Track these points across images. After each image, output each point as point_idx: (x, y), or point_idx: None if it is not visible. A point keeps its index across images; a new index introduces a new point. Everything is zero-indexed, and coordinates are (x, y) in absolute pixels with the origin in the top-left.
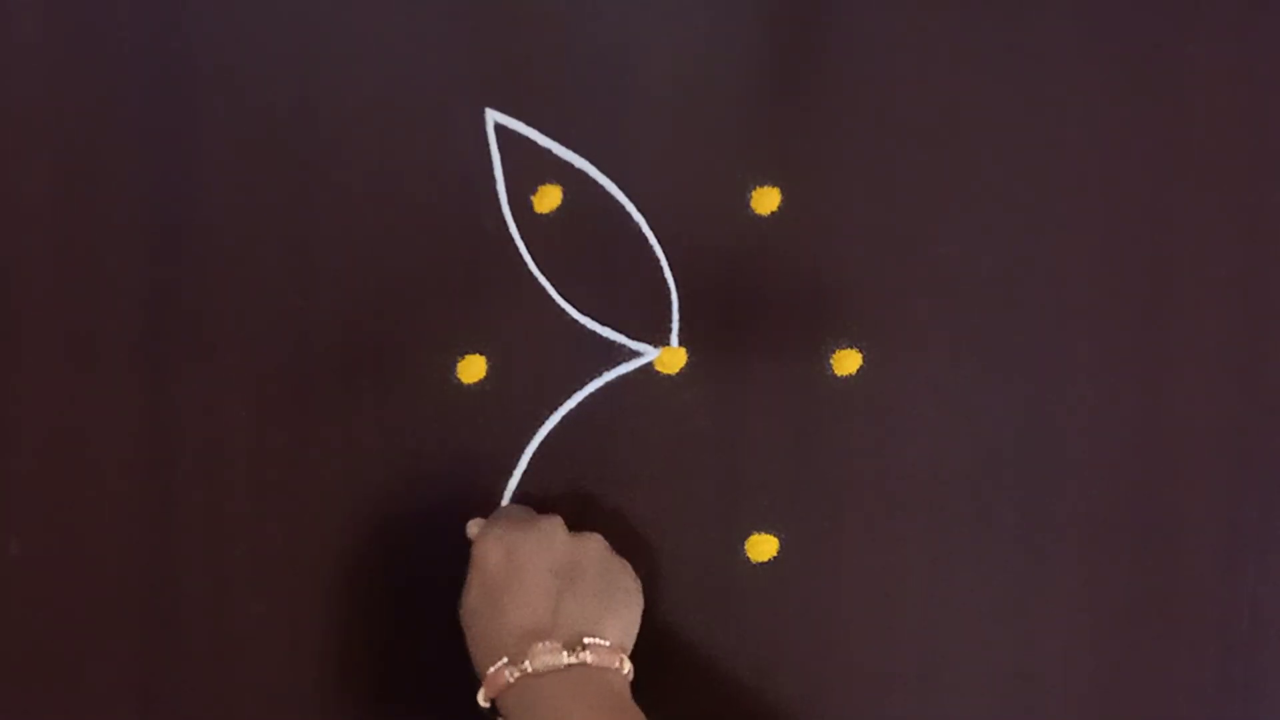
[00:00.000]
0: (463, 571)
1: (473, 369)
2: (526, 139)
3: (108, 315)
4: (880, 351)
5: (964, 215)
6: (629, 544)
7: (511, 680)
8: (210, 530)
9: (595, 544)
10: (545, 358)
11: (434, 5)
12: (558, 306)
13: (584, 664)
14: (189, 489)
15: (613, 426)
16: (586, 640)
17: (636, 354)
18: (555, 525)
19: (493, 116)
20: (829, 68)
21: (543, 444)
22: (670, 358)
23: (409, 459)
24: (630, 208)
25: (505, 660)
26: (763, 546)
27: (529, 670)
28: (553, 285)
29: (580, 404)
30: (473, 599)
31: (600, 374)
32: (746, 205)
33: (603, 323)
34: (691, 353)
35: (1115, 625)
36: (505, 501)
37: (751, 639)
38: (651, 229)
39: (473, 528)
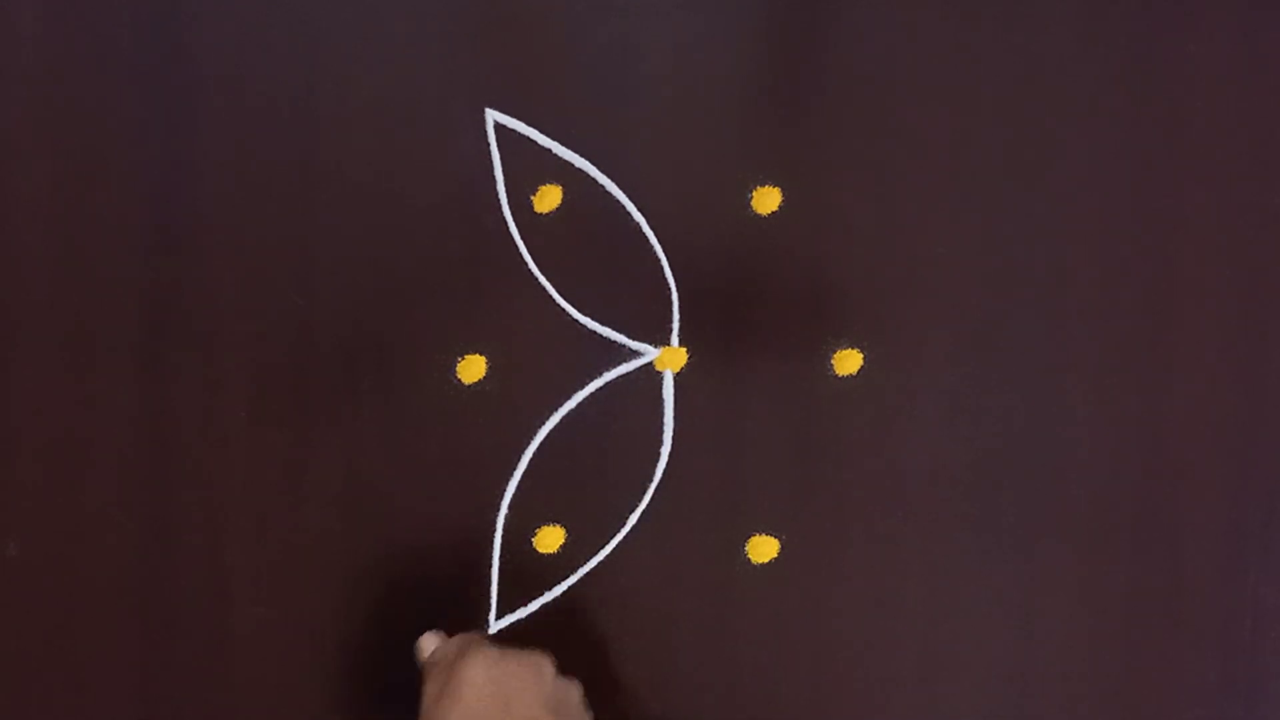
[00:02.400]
0: (462, 573)
1: (473, 369)
2: (526, 139)
3: (107, 316)
4: (881, 351)
5: (964, 215)
6: (630, 544)
7: None
8: (209, 531)
9: (577, 692)
10: (545, 358)
11: (434, 5)
12: (558, 306)
13: None
14: (188, 490)
15: (613, 426)
16: None
17: (636, 354)
18: (544, 662)
19: (493, 116)
20: (829, 68)
21: (543, 444)
22: (670, 358)
23: (409, 459)
24: (630, 208)
25: None
26: (764, 548)
27: None
28: (553, 285)
29: (580, 404)
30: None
31: (600, 374)
32: (746, 205)
33: (603, 323)
34: (691, 353)
35: (1117, 626)
36: (505, 502)
37: (752, 639)
38: (651, 229)
39: (426, 643)
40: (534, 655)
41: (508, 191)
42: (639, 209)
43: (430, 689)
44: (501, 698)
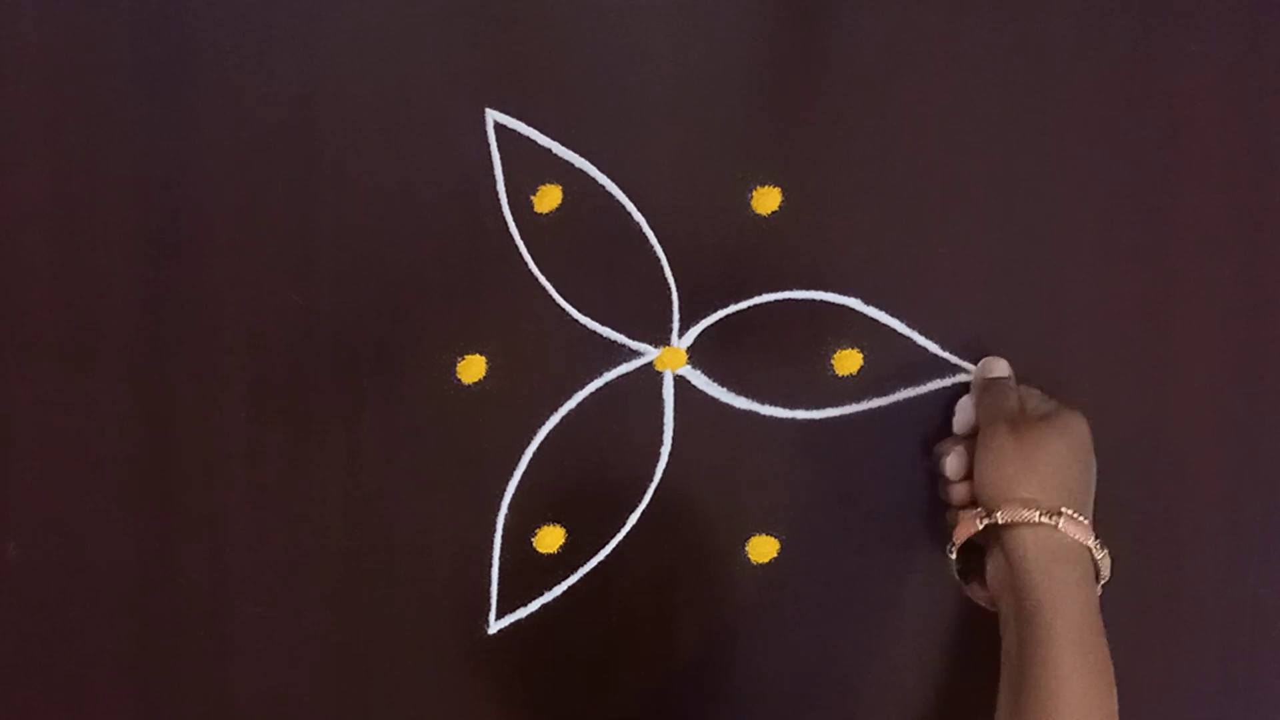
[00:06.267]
0: (458, 569)
1: (473, 369)
2: (526, 139)
3: (106, 316)
4: (881, 351)
5: (964, 215)
6: (630, 544)
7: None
8: (208, 531)
9: None
10: (545, 358)
11: (434, 5)
12: (558, 306)
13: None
14: (187, 490)
15: (613, 426)
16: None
17: (636, 354)
18: None
19: (493, 116)
20: (829, 68)
21: (543, 444)
22: (670, 357)
23: (409, 459)
24: (630, 208)
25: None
26: (763, 548)
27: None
28: (553, 285)
29: (580, 404)
30: (1068, 455)
31: (600, 374)
32: (746, 205)
33: (603, 323)
34: (691, 353)
35: (1117, 626)
36: (506, 501)
37: (752, 639)
38: (651, 229)
39: (1001, 368)
40: None
41: (508, 191)
42: (639, 209)
43: (1015, 418)
44: (1086, 460)
